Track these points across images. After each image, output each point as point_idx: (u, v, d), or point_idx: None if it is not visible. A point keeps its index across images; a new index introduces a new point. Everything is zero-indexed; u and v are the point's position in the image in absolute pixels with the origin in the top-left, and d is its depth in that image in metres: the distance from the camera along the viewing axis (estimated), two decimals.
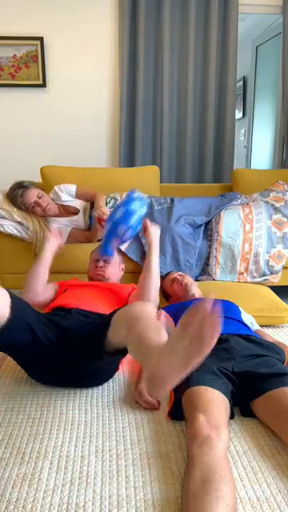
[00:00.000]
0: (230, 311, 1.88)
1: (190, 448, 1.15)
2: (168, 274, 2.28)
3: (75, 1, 3.33)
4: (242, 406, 1.45)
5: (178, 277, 2.19)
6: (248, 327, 1.85)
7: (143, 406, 1.51)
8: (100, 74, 3.45)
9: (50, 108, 3.47)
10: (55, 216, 2.57)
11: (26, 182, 2.51)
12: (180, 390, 1.40)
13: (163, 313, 2.00)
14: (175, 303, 2.08)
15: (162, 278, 2.32)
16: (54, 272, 2.51)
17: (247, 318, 1.97)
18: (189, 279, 2.17)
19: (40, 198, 2.46)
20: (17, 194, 2.44)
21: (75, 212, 2.62)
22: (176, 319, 1.93)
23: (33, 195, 2.44)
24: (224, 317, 1.81)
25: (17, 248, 2.50)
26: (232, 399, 1.39)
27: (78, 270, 2.49)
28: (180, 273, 2.24)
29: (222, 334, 1.63)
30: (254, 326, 1.96)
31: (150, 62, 3.41)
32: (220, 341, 1.59)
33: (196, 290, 2.13)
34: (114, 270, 2.11)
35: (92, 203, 2.64)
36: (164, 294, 2.27)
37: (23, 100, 3.43)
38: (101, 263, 2.07)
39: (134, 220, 1.88)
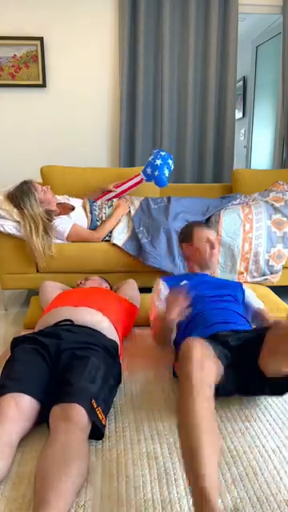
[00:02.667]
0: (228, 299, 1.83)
1: (183, 371, 1.18)
2: (208, 223, 2.09)
3: (75, 1, 3.33)
4: (244, 382, 1.45)
5: (215, 241, 1.93)
6: (242, 321, 1.81)
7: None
8: (100, 74, 3.45)
9: (49, 108, 3.47)
10: (56, 214, 2.60)
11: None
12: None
13: (161, 282, 1.96)
14: (176, 277, 2.01)
15: (200, 224, 2.06)
16: (60, 272, 2.54)
17: (255, 301, 1.92)
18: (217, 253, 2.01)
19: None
20: (28, 188, 2.49)
21: (72, 208, 2.68)
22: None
23: (40, 185, 2.55)
24: (219, 309, 1.77)
25: (17, 248, 2.51)
26: (231, 384, 1.40)
27: (88, 270, 2.53)
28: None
29: (216, 333, 1.62)
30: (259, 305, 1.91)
31: (150, 62, 3.41)
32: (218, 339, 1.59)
33: (215, 268, 1.98)
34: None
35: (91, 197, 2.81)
36: (186, 241, 2.01)
37: (23, 100, 3.43)
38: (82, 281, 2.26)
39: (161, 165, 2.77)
